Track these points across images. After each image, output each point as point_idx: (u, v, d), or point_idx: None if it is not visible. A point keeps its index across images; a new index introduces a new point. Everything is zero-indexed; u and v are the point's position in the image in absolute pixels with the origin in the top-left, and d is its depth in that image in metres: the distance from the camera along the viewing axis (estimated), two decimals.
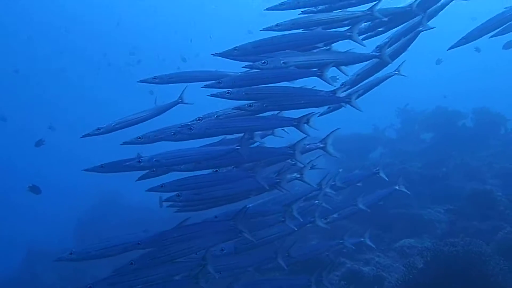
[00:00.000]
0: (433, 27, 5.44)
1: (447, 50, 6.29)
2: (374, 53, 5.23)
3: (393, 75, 5.74)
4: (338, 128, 5.42)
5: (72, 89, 36.52)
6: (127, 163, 4.81)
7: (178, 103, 5.75)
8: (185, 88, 5.66)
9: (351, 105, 5.21)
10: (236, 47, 4.83)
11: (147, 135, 5.07)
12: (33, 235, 17.49)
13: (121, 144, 5.18)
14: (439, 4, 5.49)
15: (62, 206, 18.80)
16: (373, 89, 5.81)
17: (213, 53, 4.85)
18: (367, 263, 7.64)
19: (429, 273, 5.60)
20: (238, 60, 4.92)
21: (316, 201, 5.96)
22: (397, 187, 6.96)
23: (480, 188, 8.99)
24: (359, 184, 6.58)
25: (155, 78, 5.55)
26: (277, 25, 5.08)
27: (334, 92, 5.10)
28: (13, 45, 35.55)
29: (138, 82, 5.69)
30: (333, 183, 6.00)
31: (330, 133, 5.38)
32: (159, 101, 5.96)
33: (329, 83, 5.01)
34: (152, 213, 12.74)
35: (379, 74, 5.71)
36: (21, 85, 34.71)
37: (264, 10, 5.33)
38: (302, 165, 5.47)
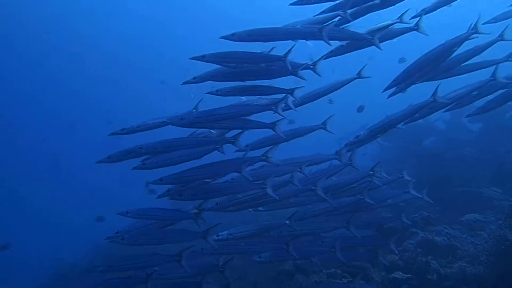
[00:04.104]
0: None
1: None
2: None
3: None
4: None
5: None
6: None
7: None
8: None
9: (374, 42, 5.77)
10: (204, 54, 5.33)
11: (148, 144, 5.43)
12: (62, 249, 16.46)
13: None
14: None
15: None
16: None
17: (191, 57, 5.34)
18: (438, 233, 8.08)
19: None
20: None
21: (362, 196, 6.39)
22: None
23: None
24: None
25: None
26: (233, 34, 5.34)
27: (274, 123, 5.62)
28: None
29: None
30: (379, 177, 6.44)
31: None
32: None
33: (280, 114, 5.58)
34: None
35: None
36: None
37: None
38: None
